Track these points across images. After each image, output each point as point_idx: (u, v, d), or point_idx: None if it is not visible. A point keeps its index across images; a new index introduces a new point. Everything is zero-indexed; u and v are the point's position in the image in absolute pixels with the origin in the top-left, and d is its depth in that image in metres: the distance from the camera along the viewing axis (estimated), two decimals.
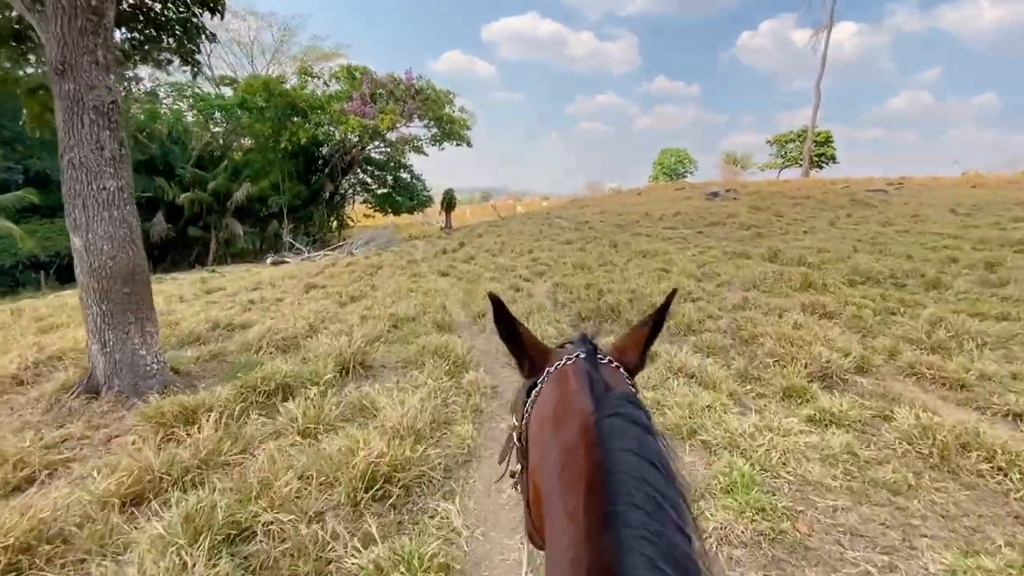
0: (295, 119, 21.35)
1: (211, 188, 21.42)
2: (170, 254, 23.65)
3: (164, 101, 23.34)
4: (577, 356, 0.84)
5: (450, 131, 25.27)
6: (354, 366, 4.55)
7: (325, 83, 23.33)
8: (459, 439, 3.25)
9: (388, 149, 25.43)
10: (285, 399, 3.74)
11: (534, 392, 0.87)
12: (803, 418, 3.38)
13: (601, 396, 0.72)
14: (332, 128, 20.87)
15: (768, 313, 6.00)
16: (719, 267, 8.95)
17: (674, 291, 1.01)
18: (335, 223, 26.45)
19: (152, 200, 21.95)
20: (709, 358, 4.52)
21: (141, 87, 23.21)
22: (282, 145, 21.06)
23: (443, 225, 29.17)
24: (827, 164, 45.50)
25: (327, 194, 25.28)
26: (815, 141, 42.06)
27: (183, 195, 20.63)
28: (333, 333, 5.43)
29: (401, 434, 3.04)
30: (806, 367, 4.12)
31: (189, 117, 23.61)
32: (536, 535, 0.83)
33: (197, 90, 22.72)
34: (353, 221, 28.61)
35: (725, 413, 3.40)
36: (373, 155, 28.73)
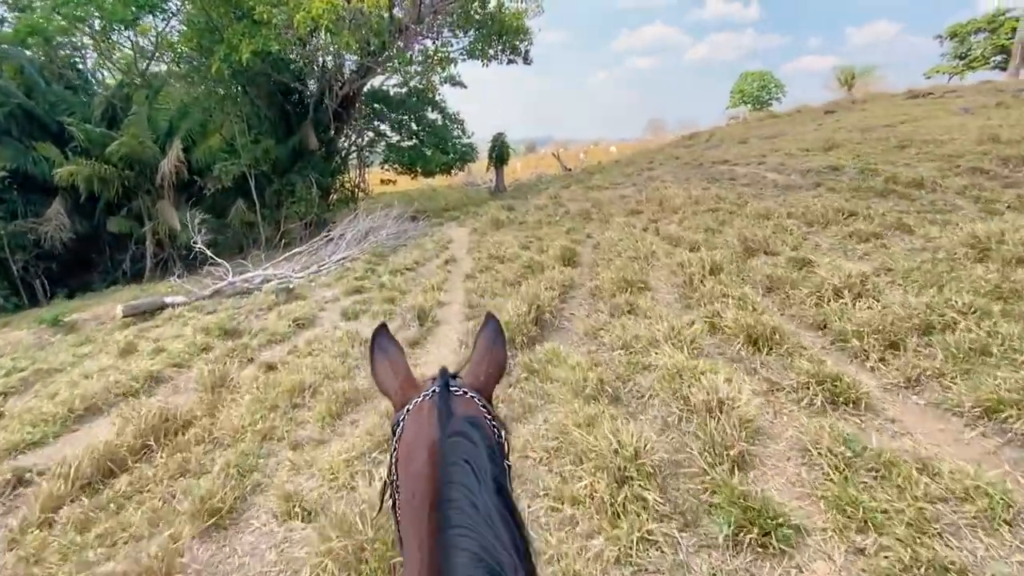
0: (236, 25, 12.25)
1: (118, 152, 12.96)
2: (95, 261, 15.87)
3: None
4: (433, 391, 0.87)
5: (499, 33, 15.31)
6: None
7: None
8: None
9: (400, 70, 15.79)
10: None
11: (398, 429, 0.89)
12: None
13: (446, 422, 0.76)
14: (294, 30, 11.52)
15: None
16: None
17: (489, 315, 1.07)
18: (333, 196, 17.62)
19: (37, 182, 13.83)
20: None
21: None
22: (213, 68, 12.13)
23: (493, 186, 20.71)
24: None
25: (317, 153, 16.39)
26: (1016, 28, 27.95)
27: (61, 169, 12.28)
28: None
29: None
30: None
31: (82, 39, 15.02)
32: None
33: None
34: (364, 191, 19.70)
35: None
36: (387, 88, 19.39)
